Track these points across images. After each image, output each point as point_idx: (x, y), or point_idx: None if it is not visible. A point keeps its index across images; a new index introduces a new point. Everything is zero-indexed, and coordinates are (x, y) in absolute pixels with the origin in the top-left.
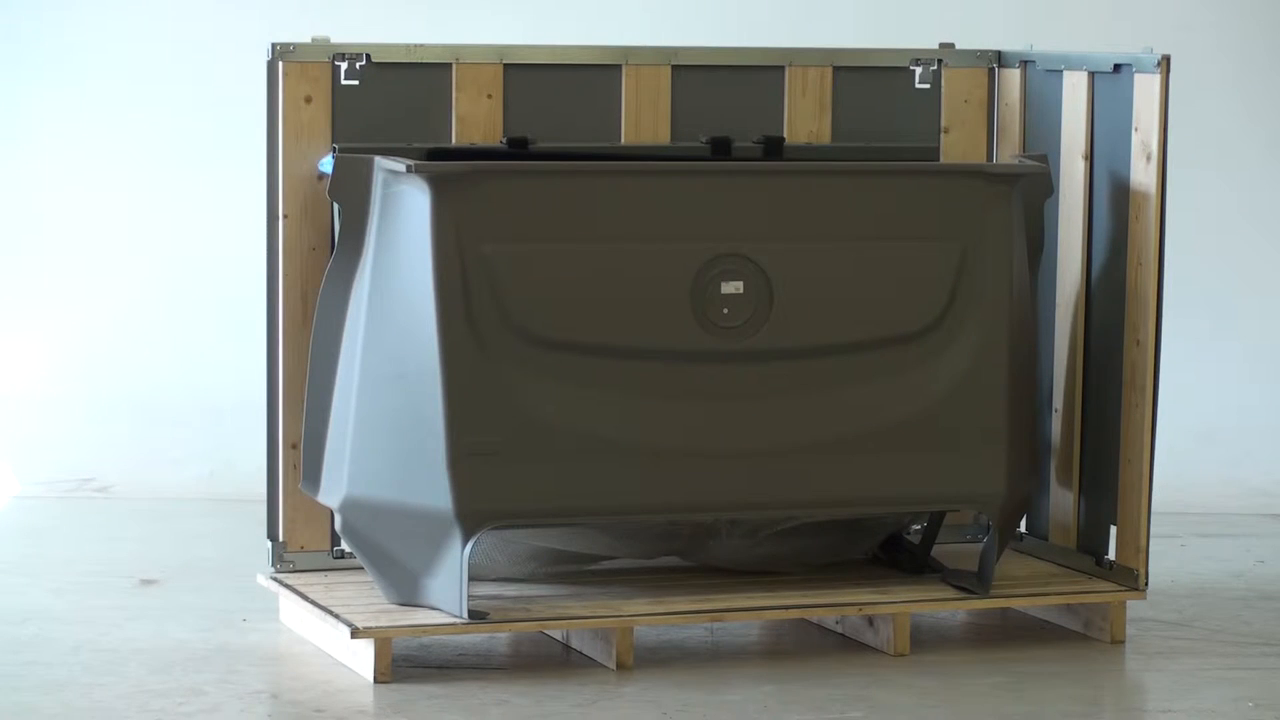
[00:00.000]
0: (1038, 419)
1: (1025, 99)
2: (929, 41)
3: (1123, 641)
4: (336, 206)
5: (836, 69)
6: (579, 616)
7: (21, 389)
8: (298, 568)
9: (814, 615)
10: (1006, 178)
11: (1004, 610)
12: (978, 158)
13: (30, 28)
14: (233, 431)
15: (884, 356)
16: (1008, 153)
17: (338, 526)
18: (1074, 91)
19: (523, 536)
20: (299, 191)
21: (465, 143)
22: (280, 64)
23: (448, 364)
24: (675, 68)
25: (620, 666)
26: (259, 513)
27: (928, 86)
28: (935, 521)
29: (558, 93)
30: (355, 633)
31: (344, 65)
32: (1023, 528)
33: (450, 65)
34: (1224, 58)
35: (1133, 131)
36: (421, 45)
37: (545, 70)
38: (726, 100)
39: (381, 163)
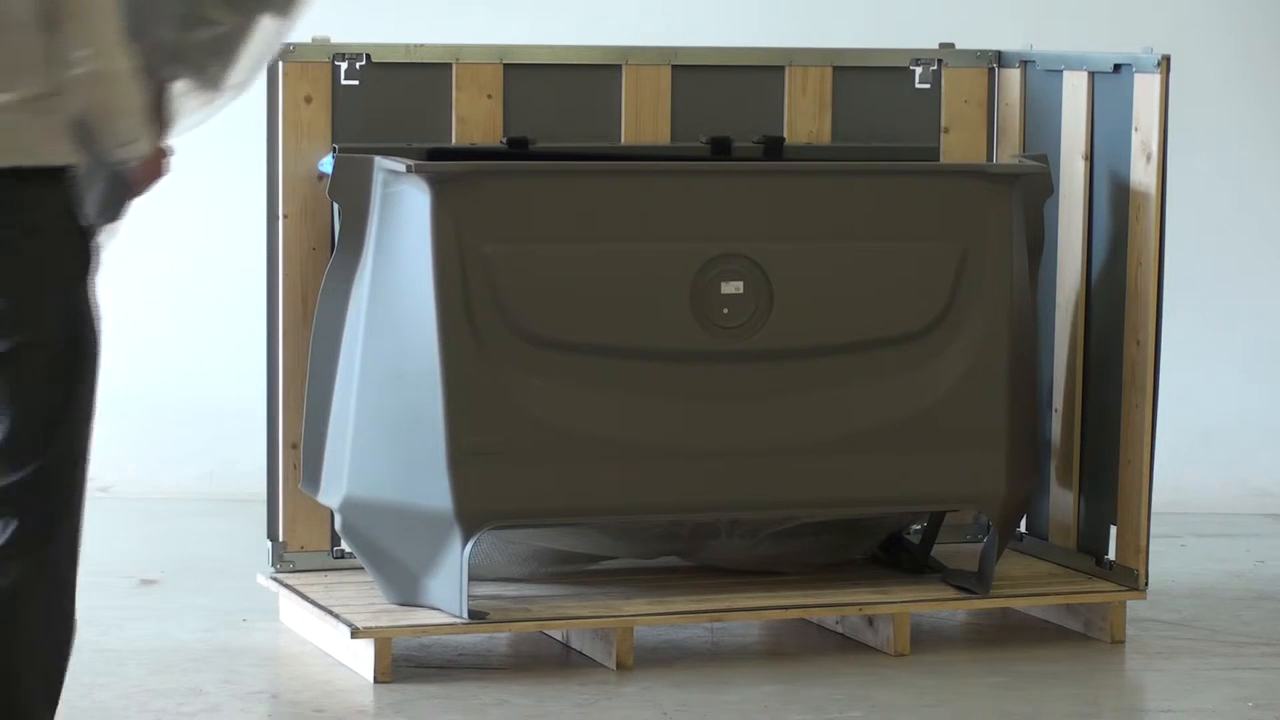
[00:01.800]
0: (1038, 419)
1: (1025, 99)
2: (929, 41)
3: (1123, 641)
4: (336, 206)
5: (836, 69)
6: (579, 616)
7: None
8: (298, 568)
9: (814, 615)
10: (1006, 178)
11: (1004, 610)
12: (978, 158)
13: None
14: (233, 431)
15: (884, 356)
16: (1008, 153)
17: (338, 526)
18: (1074, 91)
19: (523, 536)
20: (299, 191)
21: (465, 143)
22: (280, 64)
23: (448, 364)
24: (675, 68)
25: (620, 666)
26: (259, 513)
27: (928, 86)
28: (935, 521)
29: (558, 93)
30: (355, 633)
31: (344, 65)
32: (1023, 528)
33: (450, 65)
34: (1224, 58)
35: (1133, 131)
36: (421, 45)
37: (545, 70)
38: (726, 100)
39: (381, 163)
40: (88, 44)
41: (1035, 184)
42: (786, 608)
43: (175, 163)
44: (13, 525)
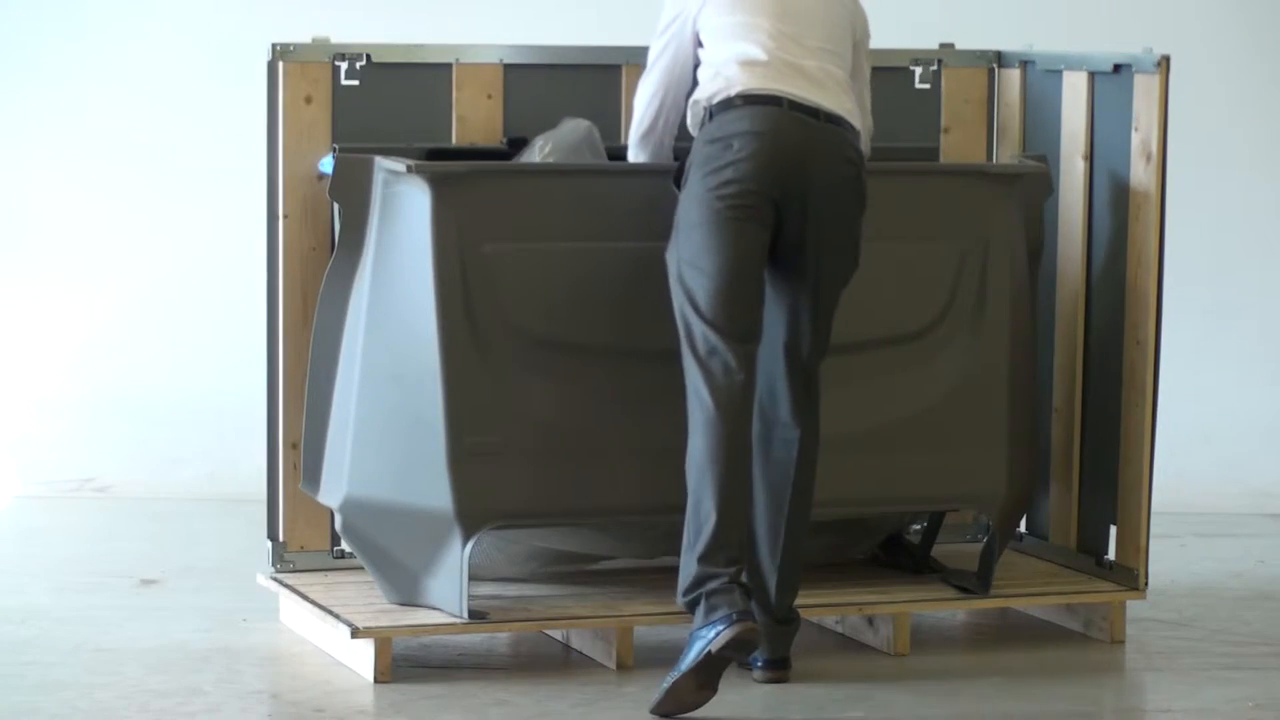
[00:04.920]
0: (1038, 419)
1: (1025, 99)
2: (929, 41)
3: (1123, 641)
4: (336, 206)
5: None
6: (579, 616)
7: (21, 389)
8: (298, 568)
9: (814, 615)
10: (1006, 178)
11: (1004, 610)
12: (978, 158)
13: (31, 29)
14: (233, 431)
15: (884, 356)
16: (1008, 153)
17: (338, 526)
18: (1074, 91)
19: (523, 536)
20: (299, 191)
21: (465, 143)
22: (280, 64)
23: (448, 364)
24: None
25: (620, 666)
26: (259, 513)
27: (928, 86)
28: (935, 521)
29: (558, 93)
30: (355, 633)
31: (344, 65)
32: (1023, 528)
33: (450, 65)
34: (1224, 58)
35: (1133, 131)
36: (421, 45)
37: (545, 70)
38: None
39: (381, 163)
40: None
41: (1035, 184)
42: None
43: (175, 164)
44: (813, 406)
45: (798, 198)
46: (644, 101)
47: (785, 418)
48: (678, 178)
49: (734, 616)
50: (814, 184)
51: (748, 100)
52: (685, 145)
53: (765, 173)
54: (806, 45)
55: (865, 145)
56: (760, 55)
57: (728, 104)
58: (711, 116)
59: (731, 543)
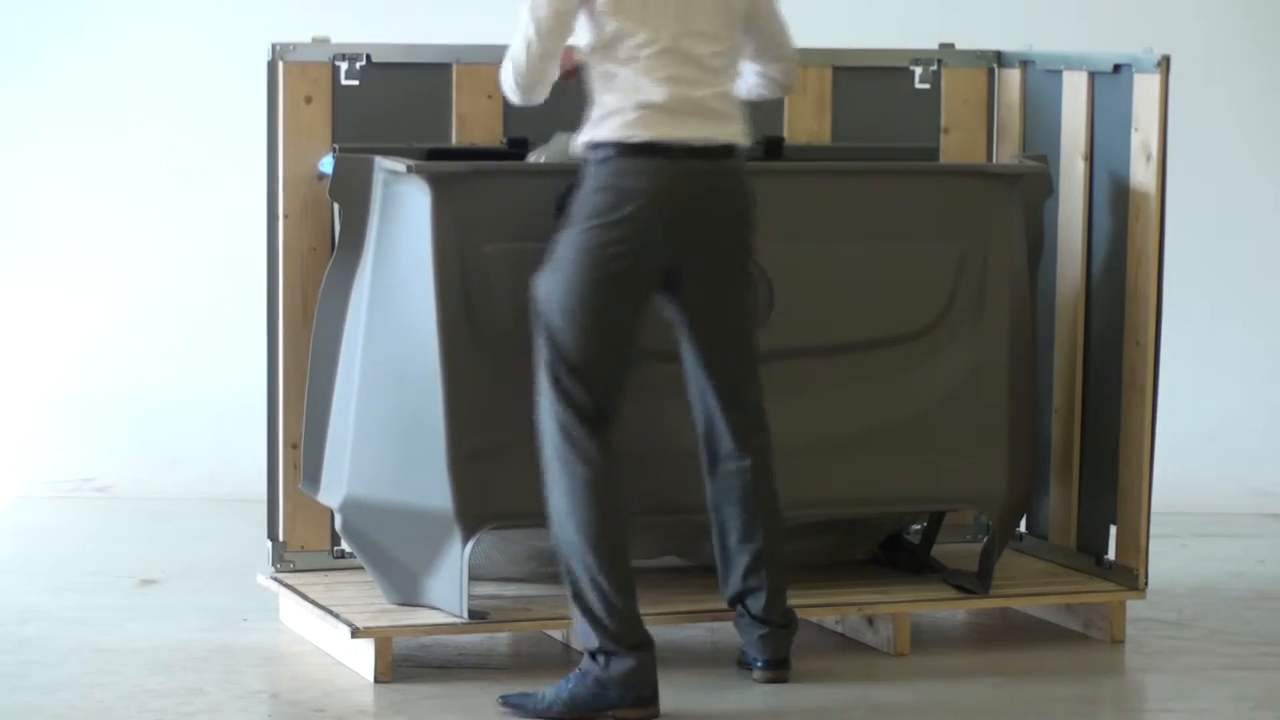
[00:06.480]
0: (1037, 419)
1: (1025, 99)
2: (929, 41)
3: (1123, 641)
4: (336, 206)
5: (836, 69)
6: None
7: (21, 389)
8: (298, 568)
9: (814, 615)
10: (1006, 178)
11: (1004, 610)
12: (978, 158)
13: (31, 29)
14: (233, 431)
15: (884, 356)
16: (1008, 153)
17: (338, 526)
18: (1074, 91)
19: (523, 536)
20: (299, 191)
21: (465, 143)
22: (280, 64)
23: (448, 364)
24: None
25: None
26: (259, 513)
27: (928, 87)
28: (935, 521)
29: (557, 93)
30: (355, 633)
31: (344, 65)
32: (1023, 528)
33: (450, 65)
34: (1224, 58)
35: (1133, 131)
36: (421, 45)
37: None
38: None
39: (381, 163)
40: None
41: (1035, 184)
42: None
43: (175, 164)
44: (758, 429)
45: (691, 250)
46: (517, 51)
47: (729, 449)
48: (561, 203)
49: (645, 698)
50: (709, 232)
51: (640, 151)
52: (573, 164)
53: (655, 233)
54: (704, 64)
55: (792, 79)
56: (655, 97)
57: (621, 150)
58: (604, 161)
59: (633, 619)
